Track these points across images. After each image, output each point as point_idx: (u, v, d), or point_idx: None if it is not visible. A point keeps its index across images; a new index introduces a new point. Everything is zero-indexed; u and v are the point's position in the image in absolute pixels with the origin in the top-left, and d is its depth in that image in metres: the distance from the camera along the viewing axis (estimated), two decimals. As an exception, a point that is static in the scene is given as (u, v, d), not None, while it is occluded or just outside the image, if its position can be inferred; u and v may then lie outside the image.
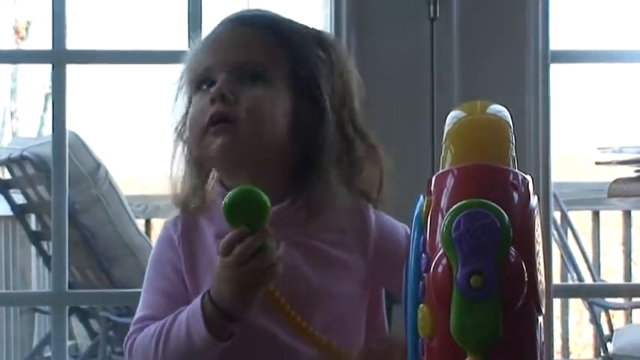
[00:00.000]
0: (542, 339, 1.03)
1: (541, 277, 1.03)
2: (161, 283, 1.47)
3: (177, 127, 1.52)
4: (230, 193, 1.33)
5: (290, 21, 1.52)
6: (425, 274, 1.02)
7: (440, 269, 0.99)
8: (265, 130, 1.44)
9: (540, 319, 1.03)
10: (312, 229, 1.46)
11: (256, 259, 1.33)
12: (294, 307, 1.35)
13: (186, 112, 1.50)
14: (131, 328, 1.47)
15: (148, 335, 1.42)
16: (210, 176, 1.52)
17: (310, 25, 1.54)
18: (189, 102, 1.50)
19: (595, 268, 4.86)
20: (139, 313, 1.47)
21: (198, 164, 1.50)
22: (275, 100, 1.45)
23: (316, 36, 1.52)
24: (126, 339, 1.46)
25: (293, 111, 1.46)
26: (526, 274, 0.99)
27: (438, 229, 1.01)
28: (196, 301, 1.39)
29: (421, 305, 1.02)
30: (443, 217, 1.01)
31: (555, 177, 2.06)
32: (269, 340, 1.42)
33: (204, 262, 1.46)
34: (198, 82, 1.47)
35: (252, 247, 1.33)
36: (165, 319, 1.42)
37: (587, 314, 4.69)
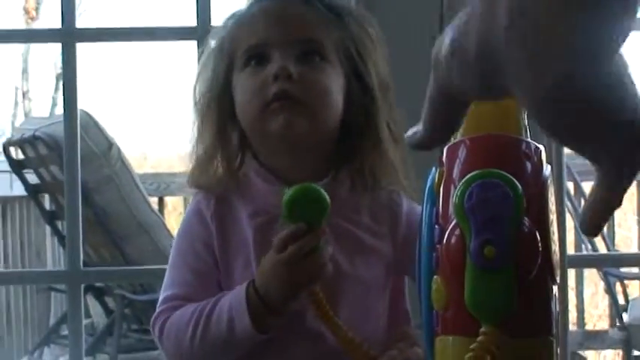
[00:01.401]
0: (557, 309, 1.03)
1: (555, 248, 1.03)
2: (192, 260, 1.46)
3: (204, 103, 1.50)
4: (292, 189, 1.32)
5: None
6: (438, 246, 1.01)
7: (453, 240, 0.98)
8: (330, 109, 1.45)
9: (555, 289, 1.03)
10: (346, 211, 1.46)
11: (310, 259, 1.33)
12: (324, 292, 1.35)
13: (222, 87, 1.48)
14: (160, 307, 1.45)
15: (183, 319, 1.41)
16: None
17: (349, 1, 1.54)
18: (226, 76, 1.47)
19: (609, 238, 4.86)
20: (167, 291, 1.46)
21: (229, 142, 1.49)
22: (334, 79, 1.46)
23: (359, 12, 1.52)
24: (154, 317, 1.45)
25: (345, 88, 1.47)
26: (540, 245, 0.98)
27: (451, 200, 1.01)
28: (240, 292, 1.37)
29: (435, 277, 1.01)
30: (455, 187, 1.01)
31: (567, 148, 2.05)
32: (299, 324, 1.41)
33: (237, 242, 1.45)
34: (249, 56, 1.45)
35: (307, 247, 1.33)
36: (202, 305, 1.40)
37: (602, 285, 4.69)
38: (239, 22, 1.49)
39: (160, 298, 1.45)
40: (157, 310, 1.44)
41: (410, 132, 0.88)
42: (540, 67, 0.73)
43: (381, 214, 1.48)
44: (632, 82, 0.76)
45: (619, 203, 0.87)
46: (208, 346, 1.38)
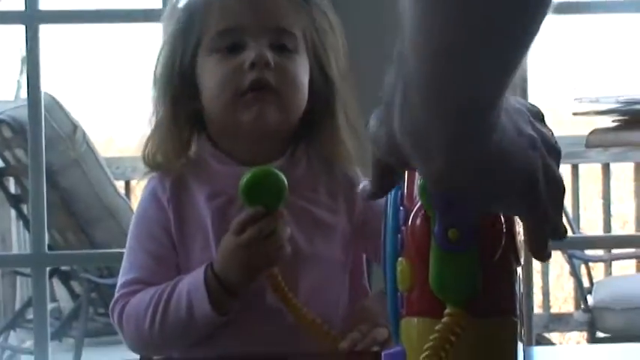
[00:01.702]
0: (521, 291, 1.04)
1: (519, 229, 1.03)
2: (150, 244, 1.45)
3: (163, 81, 1.48)
4: (248, 173, 1.33)
5: None
6: (403, 228, 1.02)
7: (418, 222, 0.99)
8: (301, 100, 1.45)
9: (519, 270, 1.03)
10: (302, 190, 1.46)
11: (268, 241, 1.34)
12: (283, 271, 1.35)
13: (186, 66, 1.46)
14: (118, 292, 1.44)
15: (142, 304, 1.40)
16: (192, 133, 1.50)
17: None
18: (191, 55, 1.46)
19: (574, 221, 4.89)
20: (126, 275, 1.45)
21: (185, 123, 1.48)
22: (303, 69, 1.45)
23: (323, 3, 1.51)
24: (113, 302, 1.44)
25: (309, 77, 1.47)
26: (504, 227, 0.99)
27: (416, 182, 1.01)
28: (198, 275, 1.37)
29: (400, 259, 1.02)
30: (420, 170, 1.01)
31: (533, 131, 2.06)
32: (260, 301, 1.41)
33: (194, 224, 1.44)
34: (220, 41, 1.43)
35: (266, 230, 1.33)
36: (161, 289, 1.40)
37: (567, 267, 4.72)
38: (210, 3, 1.46)
39: (118, 283, 1.44)
40: (116, 295, 1.44)
41: (361, 186, 0.97)
42: (425, 161, 0.81)
43: (338, 191, 1.48)
44: (520, 133, 0.80)
45: (549, 255, 0.96)
46: (168, 331, 1.38)
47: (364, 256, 1.53)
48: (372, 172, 0.93)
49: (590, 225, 5.70)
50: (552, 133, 0.90)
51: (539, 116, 0.89)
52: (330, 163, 1.48)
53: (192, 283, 1.38)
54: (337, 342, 1.36)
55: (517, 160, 0.82)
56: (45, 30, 2.09)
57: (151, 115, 1.48)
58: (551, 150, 0.88)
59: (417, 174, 1.02)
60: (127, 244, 1.47)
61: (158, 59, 1.48)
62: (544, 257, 0.93)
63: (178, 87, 1.46)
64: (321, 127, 1.48)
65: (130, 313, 1.41)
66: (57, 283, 4.50)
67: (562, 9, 2.22)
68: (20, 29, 2.11)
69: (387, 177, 0.94)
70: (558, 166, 0.89)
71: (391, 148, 0.85)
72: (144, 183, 1.52)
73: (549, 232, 0.91)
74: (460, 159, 0.80)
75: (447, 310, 0.94)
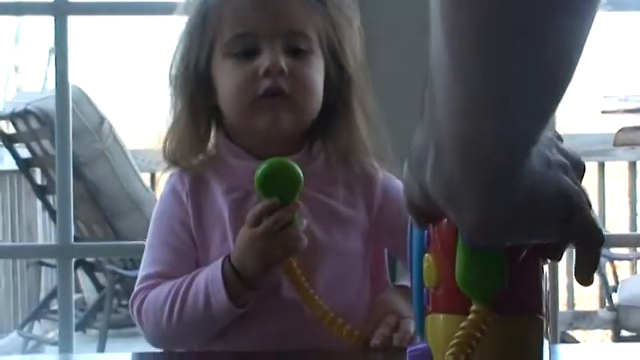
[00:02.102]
0: (547, 288, 1.03)
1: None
2: (169, 238, 1.46)
3: (180, 79, 1.49)
4: (264, 164, 1.33)
5: None
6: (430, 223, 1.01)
7: (445, 218, 0.99)
8: (315, 103, 1.45)
9: (545, 268, 1.03)
10: (321, 184, 1.46)
11: (284, 232, 1.34)
12: (301, 264, 1.35)
13: (202, 67, 1.46)
14: (138, 285, 1.45)
15: (160, 297, 1.41)
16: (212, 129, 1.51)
17: None
18: (207, 57, 1.46)
19: (600, 219, 4.87)
20: (146, 270, 1.45)
21: (202, 119, 1.48)
22: (319, 71, 1.46)
23: (344, 2, 1.51)
24: (133, 296, 1.45)
25: (324, 72, 1.47)
26: (531, 223, 0.98)
27: (443, 179, 1.01)
28: (215, 268, 1.37)
29: (426, 255, 1.01)
30: (448, 166, 1.01)
31: (561, 129, 2.05)
32: (274, 295, 1.41)
33: (213, 218, 1.45)
34: (235, 45, 1.43)
35: (282, 221, 1.34)
36: (179, 282, 1.40)
37: (592, 265, 4.69)
38: (225, 3, 1.46)
39: (138, 278, 1.45)
40: (135, 289, 1.44)
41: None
42: (459, 214, 0.82)
43: (356, 185, 1.48)
44: (549, 164, 0.81)
45: (591, 282, 0.94)
46: (186, 324, 1.38)
47: (385, 250, 1.53)
48: (409, 212, 0.94)
49: (616, 223, 5.67)
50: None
51: (557, 134, 0.89)
52: (347, 157, 1.48)
53: (209, 275, 1.38)
54: (352, 336, 1.35)
55: (551, 193, 0.82)
56: (73, 21, 2.10)
57: (169, 111, 1.49)
58: (578, 167, 0.87)
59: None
60: (147, 240, 1.48)
61: (174, 58, 1.49)
62: (589, 282, 0.92)
63: (194, 86, 1.46)
64: (338, 121, 1.48)
65: (149, 306, 1.42)
66: (82, 274, 4.53)
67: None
68: (49, 20, 2.11)
69: (423, 216, 0.94)
70: (581, 180, 0.89)
71: (425, 200, 0.86)
72: (167, 175, 1.53)
73: (594, 257, 0.90)
74: (494, 210, 0.80)
75: (473, 307, 0.94)
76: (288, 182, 1.33)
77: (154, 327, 1.41)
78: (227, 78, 1.44)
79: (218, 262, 1.38)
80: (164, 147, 1.49)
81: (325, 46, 1.47)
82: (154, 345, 1.45)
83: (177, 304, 1.39)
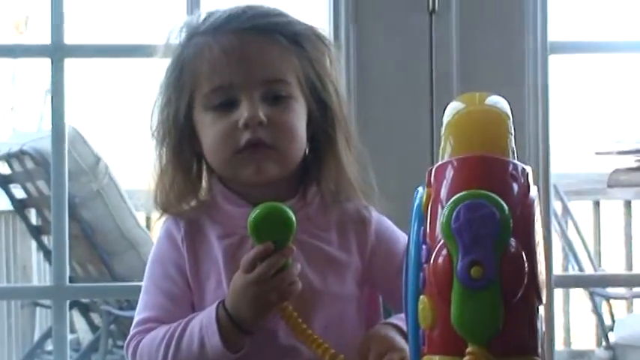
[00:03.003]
0: (543, 329, 1.04)
1: (541, 268, 1.03)
2: (165, 283, 1.45)
3: (161, 131, 1.49)
4: (256, 209, 1.32)
5: (292, 19, 1.49)
6: (425, 265, 1.02)
7: (440, 260, 0.99)
8: (298, 148, 1.45)
9: (541, 309, 1.03)
10: (315, 229, 1.46)
11: (278, 277, 1.33)
12: (297, 309, 1.35)
13: (183, 120, 1.46)
14: (133, 330, 1.44)
15: (155, 341, 1.40)
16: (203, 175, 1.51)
17: (304, 21, 1.52)
18: (187, 111, 1.46)
19: (596, 258, 4.87)
20: (141, 314, 1.45)
21: (190, 167, 1.49)
22: (300, 115, 1.45)
23: (316, 34, 1.51)
24: (128, 340, 1.44)
25: (307, 116, 1.47)
26: (526, 265, 0.99)
27: (438, 220, 1.01)
28: (210, 312, 1.37)
29: (421, 296, 1.02)
30: (443, 208, 1.01)
31: (555, 168, 2.06)
32: (271, 341, 1.41)
33: (208, 263, 1.45)
34: (214, 98, 1.43)
35: (276, 266, 1.33)
36: (174, 326, 1.40)
37: (588, 304, 4.70)
38: (197, 53, 1.45)
39: (134, 322, 1.45)
40: (131, 332, 1.44)
41: None
42: None
43: (349, 228, 1.48)
44: None
45: None
46: None
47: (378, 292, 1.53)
48: None
49: (612, 262, 5.67)
50: None
51: None
52: (338, 196, 1.48)
53: (204, 319, 1.38)
54: None
55: None
56: (69, 63, 2.11)
57: (154, 162, 1.49)
58: None
59: (439, 212, 1.03)
60: (143, 284, 1.48)
61: (153, 110, 1.48)
62: None
63: (176, 137, 1.47)
64: (324, 157, 1.48)
65: (143, 350, 1.42)
66: (76, 315, 4.51)
67: (587, 48, 2.23)
68: (43, 61, 2.12)
69: None
70: None
71: None
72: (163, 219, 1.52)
73: None
74: None
75: (468, 349, 0.94)
76: (282, 227, 1.32)
77: None
78: (208, 131, 1.44)
79: (212, 307, 1.37)
80: (155, 197, 1.49)
81: (305, 86, 1.46)
82: None
83: (172, 348, 1.39)
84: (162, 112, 1.48)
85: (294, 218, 1.32)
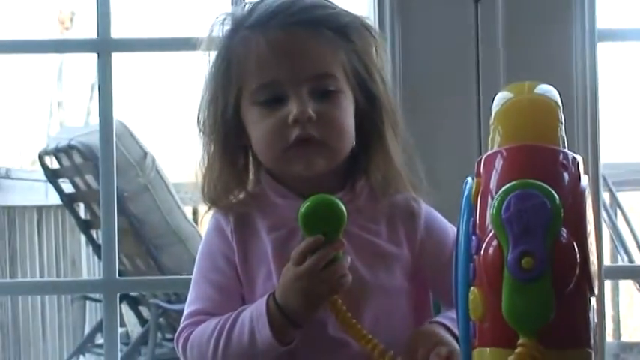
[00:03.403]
0: (595, 320, 1.03)
1: (593, 258, 1.02)
2: (214, 275, 1.46)
3: (208, 125, 1.49)
4: (307, 201, 1.33)
5: (338, 10, 1.48)
6: (475, 257, 1.01)
7: (490, 251, 0.98)
8: (347, 142, 1.45)
9: (593, 300, 1.02)
10: (364, 221, 1.46)
11: (329, 270, 1.33)
12: (347, 302, 1.35)
13: (232, 115, 1.46)
14: (183, 322, 1.45)
15: (205, 333, 1.41)
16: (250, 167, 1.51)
17: (350, 11, 1.51)
18: (235, 105, 1.46)
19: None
20: (191, 306, 1.46)
21: (237, 160, 1.48)
22: (348, 109, 1.45)
23: (363, 24, 1.50)
24: (178, 332, 1.45)
25: (355, 108, 1.47)
26: (578, 255, 0.98)
27: (488, 211, 1.00)
28: (260, 304, 1.37)
29: (472, 287, 1.01)
30: (492, 198, 1.00)
31: (604, 158, 2.04)
32: (321, 333, 1.41)
33: (258, 256, 1.45)
34: (262, 94, 1.43)
35: (326, 258, 1.33)
36: (224, 319, 1.40)
37: (637, 295, 4.65)
38: (244, 48, 1.45)
39: (184, 314, 1.45)
40: (181, 325, 1.44)
41: None
42: None
43: (399, 222, 1.48)
44: None
45: None
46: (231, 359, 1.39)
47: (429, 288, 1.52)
48: None
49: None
50: None
51: None
52: (387, 189, 1.48)
53: (254, 311, 1.38)
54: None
55: None
56: (115, 57, 2.12)
57: (202, 155, 1.49)
58: None
59: (488, 203, 1.02)
60: (193, 276, 1.49)
61: (200, 105, 1.48)
62: None
63: (224, 131, 1.46)
64: (372, 149, 1.47)
65: (194, 342, 1.42)
66: (125, 308, 4.54)
67: (636, 35, 2.20)
68: (89, 55, 2.13)
69: None
70: None
71: None
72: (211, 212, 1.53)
73: None
74: None
75: (520, 341, 0.94)
76: (332, 219, 1.33)
77: None
78: (257, 126, 1.44)
79: (263, 299, 1.38)
80: (202, 190, 1.49)
81: (353, 78, 1.46)
82: None
83: (223, 340, 1.39)
84: (209, 107, 1.48)
85: (344, 210, 1.32)
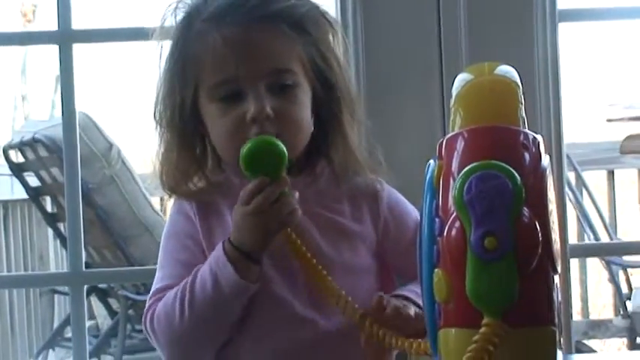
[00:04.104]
0: (560, 299, 1.03)
1: (555, 237, 1.03)
2: (181, 254, 1.46)
3: (165, 117, 1.48)
4: (247, 144, 1.37)
5: (294, 2, 1.47)
6: (439, 238, 1.01)
7: (453, 232, 0.99)
8: (305, 136, 1.46)
9: (556, 279, 1.03)
10: (326, 201, 1.47)
11: (276, 207, 1.37)
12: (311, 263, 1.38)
13: (189, 110, 1.46)
14: (149, 301, 1.45)
15: (168, 300, 1.42)
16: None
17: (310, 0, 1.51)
18: (192, 101, 1.46)
19: (612, 227, 4.85)
20: (157, 285, 1.46)
21: (194, 147, 1.49)
22: (306, 102, 1.46)
23: (320, 12, 1.50)
24: (145, 312, 1.45)
25: (312, 97, 1.47)
26: (540, 234, 0.98)
27: (450, 193, 1.01)
28: (217, 251, 1.40)
29: (436, 269, 1.02)
30: (454, 180, 1.01)
31: (568, 137, 2.05)
32: (288, 311, 1.42)
33: (222, 234, 1.45)
34: (219, 91, 1.43)
35: (272, 196, 1.36)
36: (184, 281, 1.41)
37: (605, 274, 4.69)
38: (200, 42, 1.45)
39: (150, 294, 1.46)
40: (147, 304, 1.45)
41: None
42: None
43: (362, 201, 1.50)
44: None
45: None
46: (199, 315, 1.39)
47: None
48: None
49: (628, 231, 5.65)
50: None
51: None
52: (347, 172, 1.49)
53: (212, 260, 1.41)
54: (349, 306, 1.37)
55: None
56: (79, 49, 2.10)
57: (158, 144, 1.49)
58: None
59: (451, 185, 1.02)
60: (159, 260, 1.49)
61: (157, 98, 1.49)
62: None
63: (181, 123, 1.47)
64: (331, 135, 1.49)
65: (160, 313, 1.43)
66: (95, 301, 4.52)
67: (596, 15, 2.22)
68: (53, 49, 2.12)
69: None
70: None
71: None
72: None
73: None
74: None
75: (484, 320, 0.94)
76: (273, 159, 1.37)
77: (168, 330, 1.41)
78: (215, 123, 1.45)
79: (219, 246, 1.40)
80: (160, 177, 1.50)
81: (310, 70, 1.46)
82: (170, 357, 1.45)
83: (187, 297, 1.40)
84: (166, 101, 1.48)
85: (284, 149, 1.36)
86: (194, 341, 1.42)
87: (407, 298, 1.41)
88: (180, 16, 1.49)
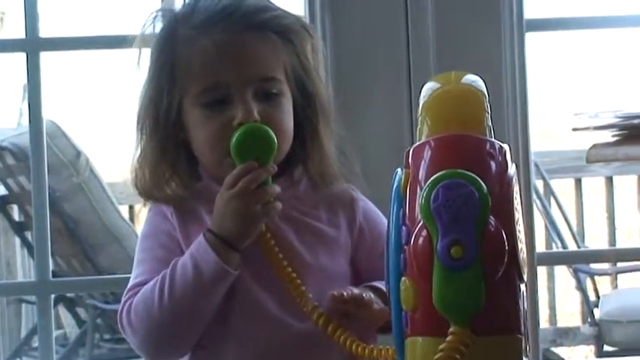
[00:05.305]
0: (526, 307, 1.04)
1: (522, 246, 1.03)
2: (159, 252, 1.46)
3: (147, 119, 1.48)
4: (238, 131, 1.38)
5: (280, 12, 1.48)
6: (406, 247, 1.02)
7: (420, 241, 0.99)
8: (287, 143, 1.47)
9: (523, 287, 1.03)
10: (303, 206, 1.48)
11: (260, 191, 1.38)
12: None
13: (174, 114, 1.46)
14: (125, 297, 1.43)
15: (147, 290, 1.41)
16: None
17: (290, 12, 1.52)
18: (178, 105, 1.46)
19: (579, 235, 4.88)
20: (133, 281, 1.45)
21: (173, 152, 1.49)
22: (289, 110, 1.47)
23: (302, 25, 1.52)
24: (120, 308, 1.43)
25: (293, 103, 1.48)
26: (506, 243, 0.99)
27: (417, 201, 1.01)
28: (198, 240, 1.41)
29: (403, 278, 1.02)
30: (421, 189, 1.01)
31: (535, 146, 2.06)
32: (263, 312, 1.42)
33: (199, 232, 1.45)
34: (206, 96, 1.43)
35: (258, 180, 1.38)
36: (164, 272, 1.41)
37: (572, 282, 4.72)
38: (189, 48, 1.45)
39: (126, 290, 1.45)
40: (122, 300, 1.44)
41: None
42: None
43: (339, 208, 1.51)
44: None
45: None
46: (180, 304, 1.38)
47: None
48: None
49: (595, 238, 5.69)
50: None
51: None
52: (325, 184, 1.50)
53: (193, 249, 1.41)
54: (315, 311, 1.37)
55: None
56: (46, 57, 2.10)
57: (135, 146, 1.49)
58: None
59: (418, 193, 1.03)
60: (135, 258, 1.48)
61: (141, 99, 1.48)
62: None
63: (162, 127, 1.47)
64: (308, 144, 1.50)
65: (138, 305, 1.41)
66: (62, 310, 4.50)
67: (562, 24, 2.23)
68: (21, 56, 2.11)
69: None
70: None
71: None
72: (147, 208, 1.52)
73: None
74: None
75: (451, 329, 0.94)
76: (264, 142, 1.39)
77: (146, 317, 1.39)
78: (199, 128, 1.45)
79: (199, 236, 1.40)
80: (136, 184, 1.49)
81: (292, 79, 1.48)
82: (146, 351, 1.44)
83: (167, 285, 1.39)
84: (150, 107, 1.48)
85: (274, 136, 1.38)
86: (170, 331, 1.41)
87: (369, 287, 1.42)
88: (161, 23, 1.49)
